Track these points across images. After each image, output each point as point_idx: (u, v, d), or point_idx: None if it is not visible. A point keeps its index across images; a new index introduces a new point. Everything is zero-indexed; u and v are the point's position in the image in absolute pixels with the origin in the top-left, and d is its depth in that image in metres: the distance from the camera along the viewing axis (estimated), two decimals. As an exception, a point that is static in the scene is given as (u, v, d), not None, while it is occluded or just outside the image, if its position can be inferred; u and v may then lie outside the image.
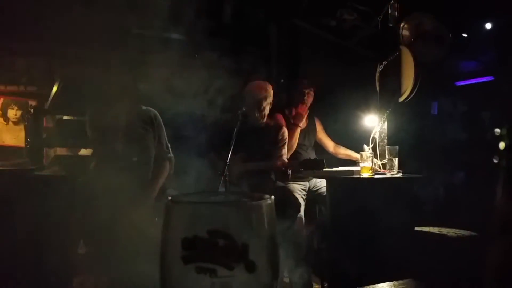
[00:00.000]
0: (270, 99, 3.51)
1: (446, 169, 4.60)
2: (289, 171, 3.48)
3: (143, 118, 3.05)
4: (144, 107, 3.10)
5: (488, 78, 5.16)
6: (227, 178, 2.97)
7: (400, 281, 0.99)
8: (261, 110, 3.47)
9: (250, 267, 0.50)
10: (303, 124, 3.99)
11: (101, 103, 3.04)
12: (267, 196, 0.51)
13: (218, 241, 0.49)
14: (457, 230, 3.16)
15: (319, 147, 4.10)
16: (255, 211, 0.50)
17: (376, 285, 0.96)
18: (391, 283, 0.98)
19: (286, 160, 3.53)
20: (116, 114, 2.98)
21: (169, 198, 0.52)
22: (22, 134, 4.03)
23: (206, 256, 0.50)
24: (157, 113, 3.12)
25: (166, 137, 3.16)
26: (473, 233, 3.12)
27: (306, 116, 4.02)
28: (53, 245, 2.93)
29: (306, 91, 3.89)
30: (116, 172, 2.76)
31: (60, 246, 2.96)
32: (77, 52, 4.34)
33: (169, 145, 3.18)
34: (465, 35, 4.67)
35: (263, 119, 3.52)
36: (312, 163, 3.32)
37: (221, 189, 2.96)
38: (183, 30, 3.74)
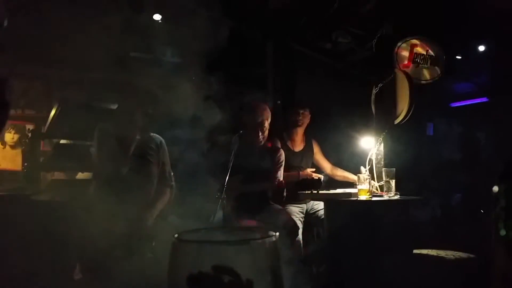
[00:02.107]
0: (269, 121, 3.54)
1: (443, 190, 4.62)
2: (284, 192, 3.47)
3: (149, 144, 3.08)
4: (151, 134, 3.14)
5: (482, 99, 5.22)
6: (224, 201, 2.96)
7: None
8: (263, 131, 3.49)
9: (255, 303, 0.50)
10: (299, 146, 4.01)
11: (111, 126, 3.06)
12: (271, 233, 0.52)
13: (223, 278, 0.50)
14: (455, 252, 3.16)
15: (317, 169, 4.11)
16: (259, 249, 0.51)
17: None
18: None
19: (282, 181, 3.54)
20: (125, 138, 3.01)
21: (175, 236, 0.52)
22: (19, 158, 4.02)
23: (211, 292, 0.50)
24: (163, 140, 3.15)
25: (169, 165, 3.18)
26: (471, 256, 3.12)
27: (303, 138, 4.04)
28: (48, 271, 2.89)
29: (302, 113, 3.92)
30: (117, 195, 2.76)
31: (55, 271, 2.93)
32: (76, 75, 4.37)
33: (172, 174, 3.20)
34: (459, 57, 4.74)
35: (264, 140, 3.54)
36: (308, 183, 3.32)
37: (219, 211, 2.95)
38: (180, 53, 3.78)
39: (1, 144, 4.06)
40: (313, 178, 3.54)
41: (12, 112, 4.20)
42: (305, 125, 3.97)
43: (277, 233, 0.53)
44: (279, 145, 3.72)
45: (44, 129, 3.92)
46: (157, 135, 3.15)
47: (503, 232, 0.81)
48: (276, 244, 0.54)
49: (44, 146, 4.08)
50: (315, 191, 3.23)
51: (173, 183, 3.19)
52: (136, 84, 3.16)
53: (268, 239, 0.52)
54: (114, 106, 3.22)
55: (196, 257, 0.52)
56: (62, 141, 3.91)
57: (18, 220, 2.79)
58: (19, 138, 4.09)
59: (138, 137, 3.04)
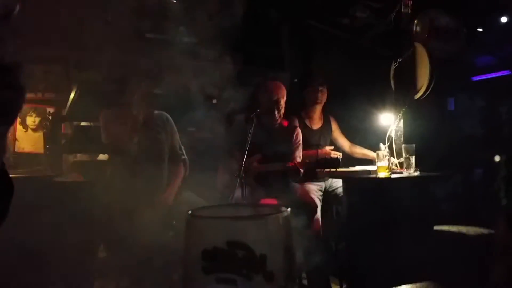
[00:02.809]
0: (285, 99, 3.52)
1: (464, 166, 4.55)
2: (302, 171, 3.47)
3: (156, 121, 3.10)
4: (156, 111, 3.15)
5: (505, 72, 5.08)
6: (243, 180, 2.98)
7: (418, 284, 0.99)
8: (279, 110, 3.47)
9: (269, 277, 0.51)
10: (318, 124, 3.98)
11: (115, 108, 3.09)
12: (283, 208, 0.52)
13: (237, 252, 0.51)
14: (477, 228, 3.12)
15: (335, 147, 4.09)
16: (272, 224, 0.51)
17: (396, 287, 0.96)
18: (409, 286, 0.98)
19: (300, 161, 3.53)
20: (130, 119, 3.03)
21: (189, 212, 0.53)
22: (41, 141, 4.09)
23: (226, 266, 0.51)
24: (169, 116, 3.17)
25: (179, 139, 3.20)
26: (492, 231, 3.08)
27: (321, 115, 4.01)
28: (73, 250, 2.97)
29: (320, 89, 3.88)
30: (132, 176, 2.80)
31: (80, 250, 3.00)
32: (94, 58, 4.40)
33: (182, 147, 3.22)
34: (480, 29, 4.61)
35: (280, 119, 3.52)
36: (327, 162, 3.31)
37: (237, 191, 2.97)
38: (195, 33, 3.77)
39: (24, 127, 4.13)
40: (331, 157, 3.52)
41: (32, 95, 4.28)
42: (323, 102, 3.93)
43: (289, 209, 0.53)
44: (297, 124, 3.70)
45: (65, 112, 3.98)
46: (162, 112, 3.16)
47: (504, 201, 0.80)
48: (288, 219, 0.54)
49: (65, 129, 4.14)
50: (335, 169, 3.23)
51: (185, 156, 3.21)
52: (145, 64, 3.17)
53: (280, 214, 0.52)
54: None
55: (210, 232, 0.53)
56: (82, 124, 3.97)
57: (42, 201, 2.86)
58: (40, 121, 4.16)
59: (141, 116, 3.05)
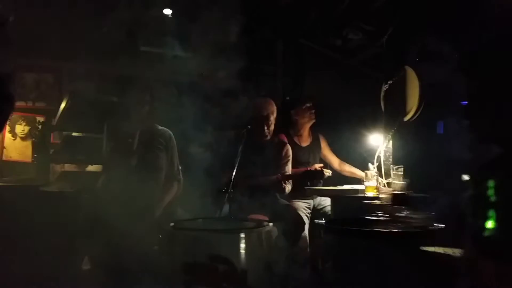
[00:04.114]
0: (275, 115, 3.56)
1: (452, 188, 4.57)
2: (285, 185, 3.48)
3: (159, 138, 3.12)
4: (160, 127, 3.17)
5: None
6: (231, 196, 2.97)
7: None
8: (268, 126, 3.51)
9: (249, 292, 0.51)
10: (307, 141, 4.01)
11: (121, 119, 3.11)
12: (265, 223, 0.53)
13: (218, 267, 0.51)
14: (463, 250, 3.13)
15: (325, 165, 4.10)
16: (254, 239, 0.51)
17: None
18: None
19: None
20: (135, 132, 3.06)
21: (171, 224, 0.53)
22: (29, 149, 4.07)
23: (206, 281, 0.51)
24: (172, 134, 3.19)
25: (178, 159, 3.21)
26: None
27: (309, 133, 4.04)
28: (57, 261, 2.93)
29: (309, 109, 3.92)
30: (126, 188, 2.80)
31: (65, 261, 2.96)
32: (86, 68, 4.41)
33: (180, 167, 3.23)
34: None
35: (269, 135, 3.55)
36: (311, 174, 3.34)
37: (226, 206, 2.96)
38: (189, 48, 3.80)
39: (12, 136, 4.11)
40: (316, 169, 3.54)
41: (23, 104, 4.27)
42: (311, 121, 3.97)
43: (271, 224, 0.54)
44: (286, 141, 3.72)
45: (54, 121, 3.97)
46: (166, 129, 3.19)
47: (471, 219, 0.81)
48: (270, 234, 0.54)
49: (54, 138, 4.12)
50: (318, 182, 3.26)
51: (181, 177, 3.22)
52: (143, 77, 3.20)
53: (262, 229, 0.53)
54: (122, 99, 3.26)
55: (191, 245, 0.53)
56: (72, 134, 3.95)
57: (28, 210, 2.83)
58: (30, 130, 4.14)
59: (140, 129, 3.08)
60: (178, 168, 3.21)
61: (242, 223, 0.48)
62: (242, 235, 0.40)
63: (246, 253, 0.42)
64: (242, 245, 0.41)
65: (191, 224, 0.44)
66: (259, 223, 0.42)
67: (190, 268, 0.43)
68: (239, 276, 0.43)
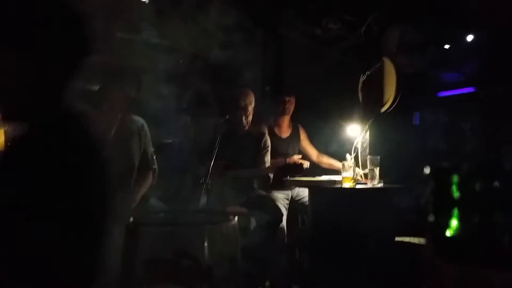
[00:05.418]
0: (253, 105, 3.54)
1: (427, 179, 4.64)
2: (271, 179, 3.49)
3: (131, 127, 3.03)
4: (132, 116, 3.08)
5: (470, 89, 5.23)
6: (209, 187, 2.95)
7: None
8: (246, 116, 3.49)
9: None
10: (286, 132, 4.00)
11: (91, 108, 3.01)
12: (231, 217, 0.51)
13: (182, 262, 0.49)
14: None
15: (303, 156, 4.11)
16: (218, 233, 0.50)
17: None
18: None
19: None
20: (106, 121, 2.96)
21: (131, 219, 0.51)
22: (1, 138, 3.97)
23: (170, 277, 0.49)
24: (144, 123, 3.10)
25: (152, 148, 3.14)
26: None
27: (289, 124, 4.03)
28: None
29: (288, 100, 3.91)
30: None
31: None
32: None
33: (154, 157, 3.16)
34: (447, 46, 4.73)
35: (248, 125, 3.53)
36: (290, 168, 3.35)
37: (203, 197, 2.94)
38: (169, 36, 3.73)
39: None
40: (295, 163, 3.54)
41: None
42: (290, 112, 3.96)
43: (236, 218, 0.52)
44: (265, 131, 3.71)
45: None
46: (139, 117, 3.10)
47: (431, 218, 0.81)
48: (235, 228, 0.53)
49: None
50: (297, 175, 3.28)
51: (156, 166, 3.15)
52: (119, 65, 3.11)
53: (226, 223, 0.51)
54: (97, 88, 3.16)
55: (154, 240, 0.51)
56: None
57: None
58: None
59: (117, 119, 2.99)
60: (152, 157, 3.14)
61: (207, 215, 0.47)
62: (206, 229, 0.39)
63: (210, 247, 0.40)
64: (206, 240, 0.40)
65: (156, 218, 0.43)
66: (225, 217, 0.41)
67: (152, 264, 0.42)
68: (204, 273, 0.42)
